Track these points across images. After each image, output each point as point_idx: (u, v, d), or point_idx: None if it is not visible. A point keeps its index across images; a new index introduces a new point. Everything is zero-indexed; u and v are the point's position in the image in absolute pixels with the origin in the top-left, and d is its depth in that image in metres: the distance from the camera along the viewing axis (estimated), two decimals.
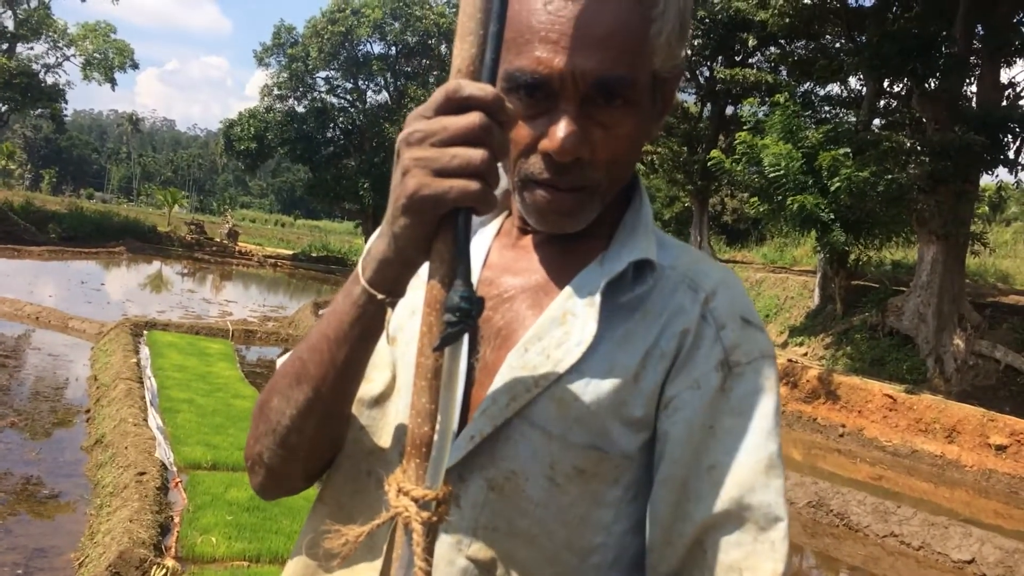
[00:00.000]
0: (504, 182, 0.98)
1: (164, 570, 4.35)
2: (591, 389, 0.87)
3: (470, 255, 0.75)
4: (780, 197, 13.98)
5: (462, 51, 0.76)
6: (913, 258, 17.33)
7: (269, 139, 33.35)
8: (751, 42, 21.60)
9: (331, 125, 35.24)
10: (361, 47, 35.36)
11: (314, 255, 37.97)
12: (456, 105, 0.73)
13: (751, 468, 0.86)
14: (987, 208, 28.68)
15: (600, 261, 0.93)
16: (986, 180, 18.30)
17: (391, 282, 0.80)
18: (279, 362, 0.99)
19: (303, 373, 0.87)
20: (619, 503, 0.89)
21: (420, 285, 0.80)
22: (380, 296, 0.80)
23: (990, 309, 15.55)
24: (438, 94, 0.74)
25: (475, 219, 0.78)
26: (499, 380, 0.88)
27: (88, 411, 8.04)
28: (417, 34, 34.48)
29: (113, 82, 36.86)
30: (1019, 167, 14.87)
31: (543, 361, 0.88)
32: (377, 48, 35.70)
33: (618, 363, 0.88)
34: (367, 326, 0.83)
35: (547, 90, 0.84)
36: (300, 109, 35.13)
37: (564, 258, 0.95)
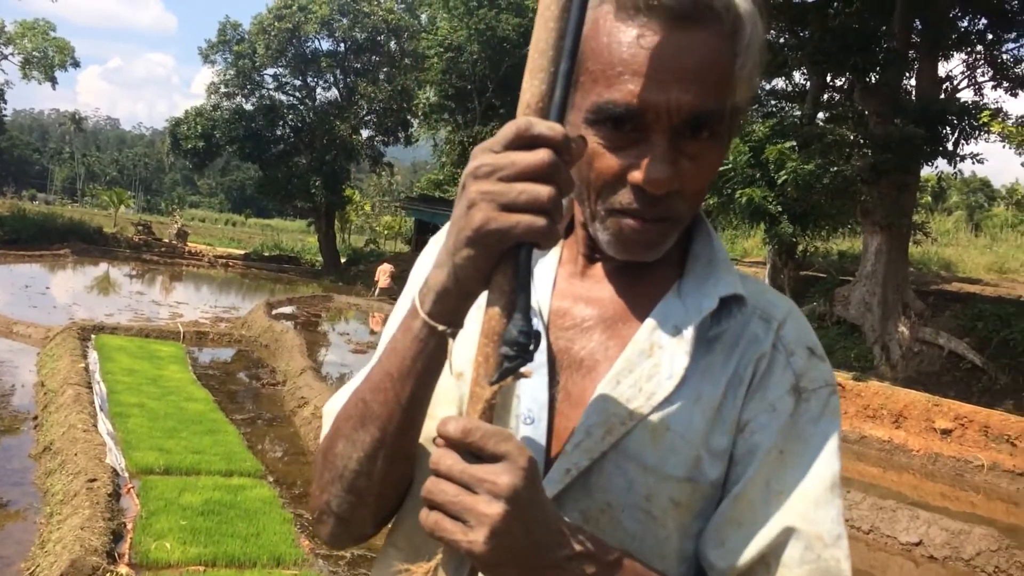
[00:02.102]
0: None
1: None
2: (682, 420, 0.88)
3: (531, 288, 0.76)
4: (729, 190, 14.19)
5: (532, 87, 0.76)
6: (859, 248, 17.72)
7: (217, 137, 32.85)
8: None
9: (280, 123, 34.83)
10: (309, 44, 35.02)
11: (266, 254, 37.56)
12: (525, 142, 0.74)
13: (815, 491, 0.88)
14: (929, 198, 29.44)
15: (677, 292, 0.94)
16: (927, 171, 18.74)
17: (451, 313, 0.80)
18: (327, 409, 0.99)
19: (367, 414, 0.86)
20: (700, 534, 0.90)
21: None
22: (441, 328, 0.80)
23: (933, 297, 15.99)
24: (507, 130, 0.75)
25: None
26: (591, 412, 0.88)
27: (35, 418, 7.87)
28: (366, 30, 34.23)
29: (54, 81, 36.00)
30: (957, 158, 15.29)
31: (636, 394, 0.88)
32: (325, 45, 35.41)
33: (704, 394, 0.89)
34: (430, 359, 0.82)
35: (638, 123, 0.84)
36: (248, 107, 34.66)
37: (637, 287, 0.95)
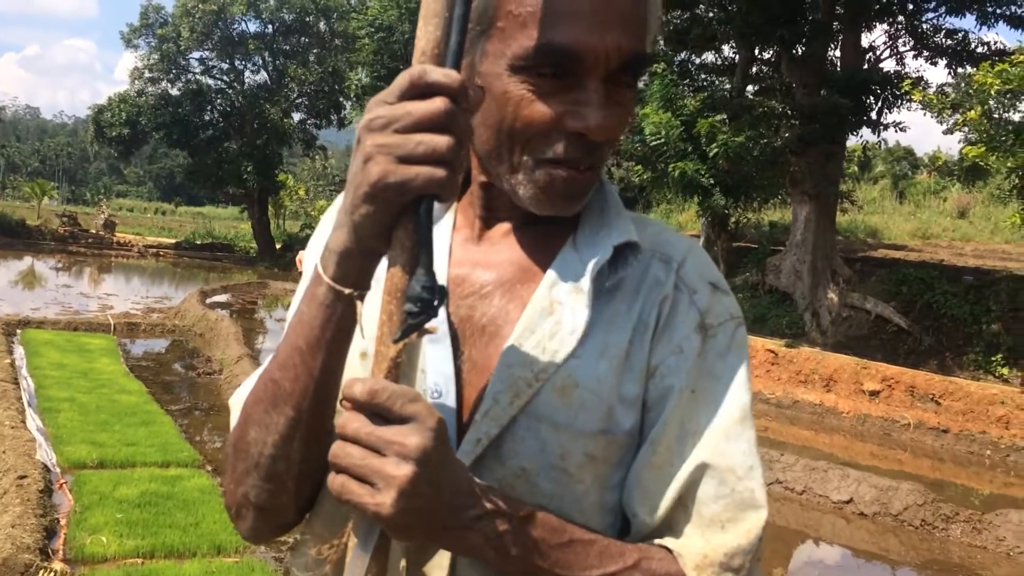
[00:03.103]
0: None
1: (52, 573, 4.22)
2: (590, 374, 0.86)
3: (432, 243, 0.74)
4: (662, 165, 14.34)
5: (426, 33, 0.73)
6: (789, 218, 18.09)
7: (143, 124, 31.90)
8: None
9: (208, 107, 33.95)
10: (236, 26, 34.16)
11: (198, 242, 36.70)
12: (420, 91, 0.71)
13: (725, 425, 0.88)
14: (855, 168, 30.15)
15: (573, 245, 0.92)
16: (853, 142, 19.19)
17: (355, 275, 0.77)
18: (233, 401, 0.95)
19: (279, 394, 0.82)
20: (623, 483, 0.90)
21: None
22: (347, 291, 0.77)
23: (860, 263, 16.46)
24: (402, 79, 0.72)
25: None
26: (497, 378, 0.86)
27: None
28: (294, 11, 33.53)
29: None
30: (881, 127, 15.68)
31: (540, 354, 0.86)
32: (253, 26, 34.57)
33: (611, 344, 0.88)
34: (340, 326, 0.79)
35: (573, 67, 0.82)
36: (174, 92, 33.69)
37: (534, 246, 0.93)
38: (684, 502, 0.88)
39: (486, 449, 0.85)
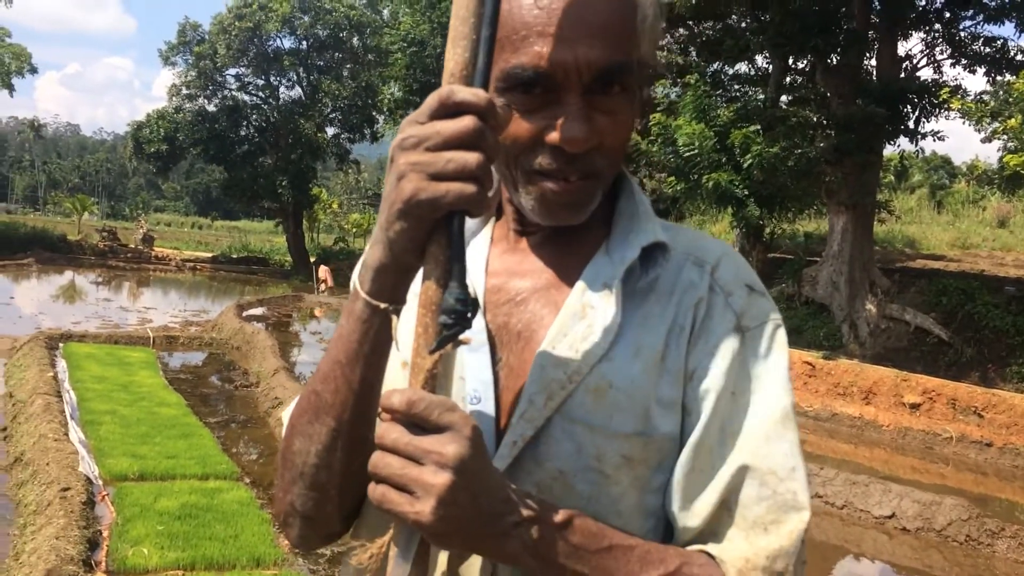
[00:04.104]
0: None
1: None
2: (623, 375, 0.88)
3: (465, 257, 0.77)
4: (696, 176, 14.24)
5: (454, 55, 0.76)
6: (825, 229, 17.89)
7: (180, 140, 32.44)
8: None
9: (244, 123, 34.45)
10: (271, 42, 34.63)
11: (234, 256, 37.21)
12: (449, 110, 0.74)
13: (766, 425, 0.88)
14: (892, 177, 29.78)
15: (606, 250, 0.94)
16: (890, 151, 18.96)
17: (391, 289, 0.80)
18: (285, 414, 0.98)
19: (320, 405, 0.85)
20: (664, 487, 0.90)
21: None
22: (383, 306, 0.80)
23: (898, 274, 16.21)
24: (431, 99, 0.75)
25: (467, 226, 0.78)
26: (531, 381, 0.88)
27: (4, 429, 7.77)
28: (328, 27, 33.91)
29: (10, 88, 35.33)
30: (919, 136, 15.47)
31: (573, 356, 0.88)
32: (287, 43, 35.04)
33: (644, 345, 0.89)
34: (376, 340, 0.82)
35: (548, 84, 0.84)
36: (211, 108, 34.23)
37: (567, 253, 0.95)
38: (727, 505, 0.88)
39: (522, 451, 0.87)
